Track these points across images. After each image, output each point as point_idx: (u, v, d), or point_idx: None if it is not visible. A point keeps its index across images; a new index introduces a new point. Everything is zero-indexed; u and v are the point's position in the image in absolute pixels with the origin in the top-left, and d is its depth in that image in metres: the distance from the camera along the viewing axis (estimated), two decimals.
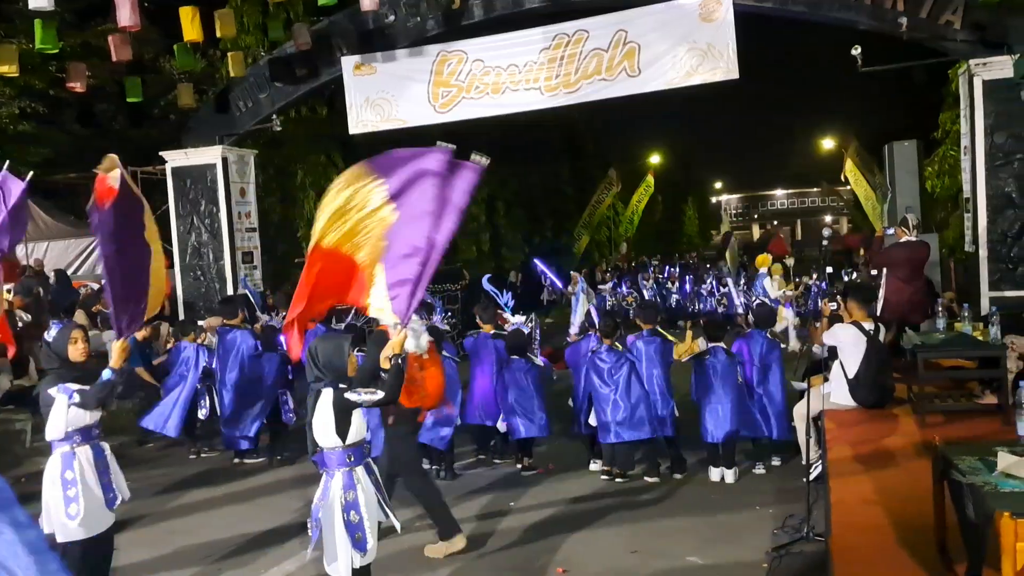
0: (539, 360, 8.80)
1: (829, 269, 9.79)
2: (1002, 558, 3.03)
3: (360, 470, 4.45)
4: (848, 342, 6.81)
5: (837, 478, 5.44)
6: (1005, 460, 3.53)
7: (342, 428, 4.40)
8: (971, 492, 3.37)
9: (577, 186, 32.00)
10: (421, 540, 6.53)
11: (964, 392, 6.83)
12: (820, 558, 5.34)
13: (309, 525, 4.55)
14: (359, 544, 4.32)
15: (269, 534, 7.00)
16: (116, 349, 5.11)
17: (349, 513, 4.34)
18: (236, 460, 9.41)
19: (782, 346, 8.67)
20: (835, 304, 8.00)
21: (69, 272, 14.77)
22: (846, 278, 19.51)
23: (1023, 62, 9.34)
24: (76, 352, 5.08)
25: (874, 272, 10.30)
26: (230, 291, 13.57)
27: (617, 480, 7.95)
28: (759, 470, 8.02)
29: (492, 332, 8.90)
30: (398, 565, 6.06)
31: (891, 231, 10.24)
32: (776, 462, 8.09)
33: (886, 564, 4.13)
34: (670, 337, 8.44)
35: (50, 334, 5.08)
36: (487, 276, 10.54)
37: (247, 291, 11.57)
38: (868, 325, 6.86)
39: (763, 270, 14.48)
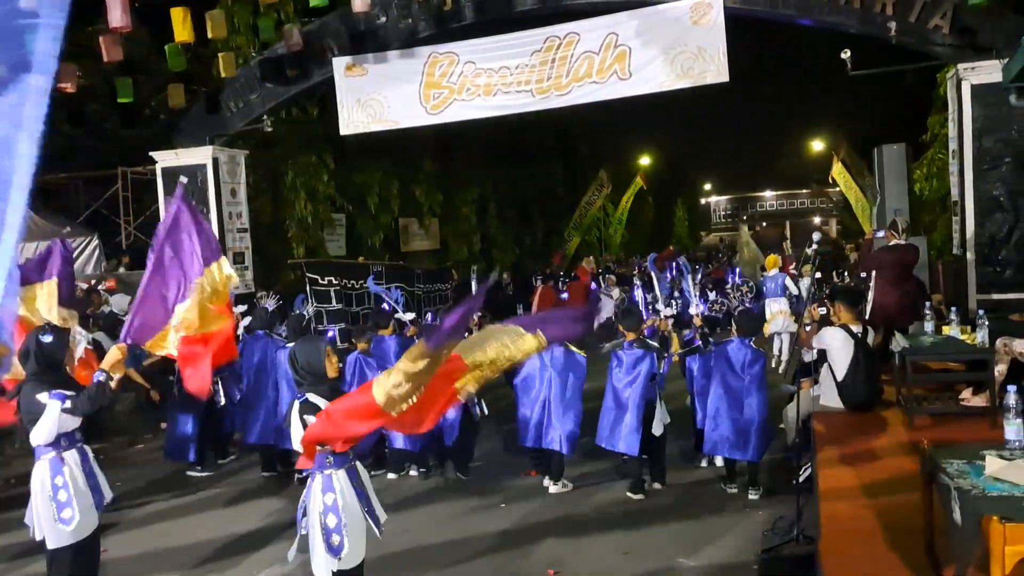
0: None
1: (818, 274, 9.72)
2: (991, 563, 3.04)
3: (341, 473, 4.42)
4: (836, 345, 6.85)
5: (826, 480, 5.47)
6: (993, 464, 3.54)
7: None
8: (959, 496, 3.39)
9: (569, 187, 32.02)
10: (409, 543, 6.55)
11: (952, 395, 6.87)
12: (809, 560, 5.37)
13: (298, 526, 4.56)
14: (335, 548, 4.31)
15: (257, 535, 7.00)
16: (113, 352, 5.10)
17: (327, 516, 4.34)
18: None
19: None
20: (824, 308, 7.97)
21: None
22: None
23: (1011, 66, 9.40)
24: (70, 358, 5.07)
25: (863, 275, 10.36)
26: None
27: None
28: (752, 495, 7.44)
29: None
30: (387, 567, 6.07)
31: (881, 234, 10.30)
32: (753, 496, 7.38)
33: (875, 566, 4.16)
34: (654, 345, 7.89)
35: (46, 337, 5.05)
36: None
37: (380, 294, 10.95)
38: (856, 328, 6.90)
39: (774, 272, 14.44)
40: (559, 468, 7.90)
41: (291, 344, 9.98)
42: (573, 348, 7.87)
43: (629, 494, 7.60)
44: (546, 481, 7.96)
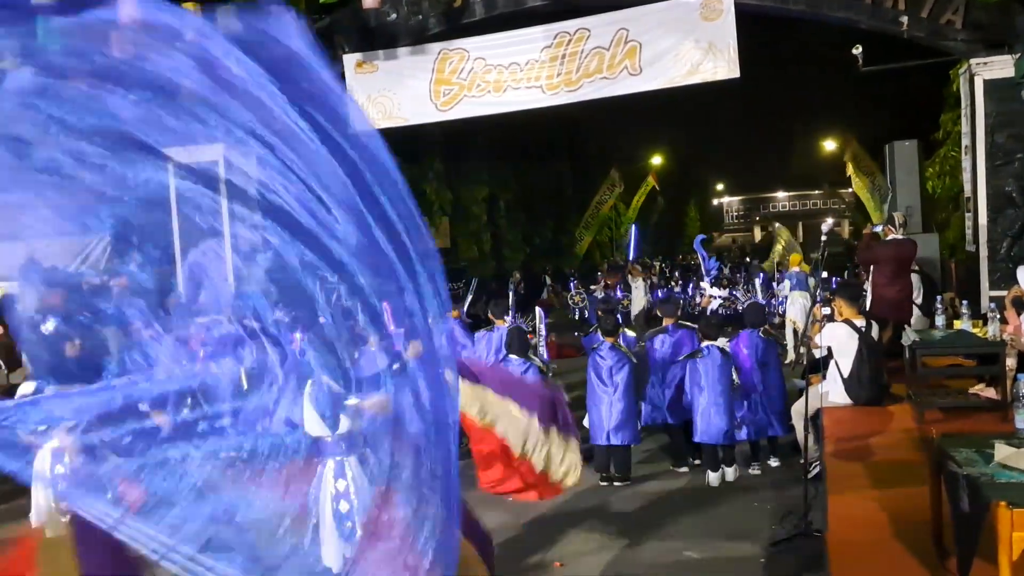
0: (539, 359, 8.73)
1: (824, 273, 9.69)
2: (998, 548, 3.02)
3: (352, 459, 4.42)
4: (840, 341, 6.82)
5: (835, 474, 5.45)
6: (1002, 451, 3.53)
7: (331, 420, 4.35)
8: (967, 483, 3.36)
9: (578, 186, 31.96)
10: None
11: (963, 389, 6.83)
12: (818, 553, 5.34)
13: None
14: (347, 534, 4.30)
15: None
16: None
17: (339, 502, 4.33)
18: None
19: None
20: (828, 309, 7.90)
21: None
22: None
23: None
24: None
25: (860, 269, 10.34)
26: None
27: (616, 484, 7.80)
28: (754, 471, 7.87)
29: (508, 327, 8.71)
30: None
31: (879, 229, 10.25)
32: (774, 463, 7.93)
33: (882, 559, 4.14)
34: (691, 325, 8.47)
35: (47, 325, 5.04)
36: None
37: None
38: (859, 322, 6.86)
39: (795, 269, 14.50)
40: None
41: None
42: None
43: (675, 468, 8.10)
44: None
